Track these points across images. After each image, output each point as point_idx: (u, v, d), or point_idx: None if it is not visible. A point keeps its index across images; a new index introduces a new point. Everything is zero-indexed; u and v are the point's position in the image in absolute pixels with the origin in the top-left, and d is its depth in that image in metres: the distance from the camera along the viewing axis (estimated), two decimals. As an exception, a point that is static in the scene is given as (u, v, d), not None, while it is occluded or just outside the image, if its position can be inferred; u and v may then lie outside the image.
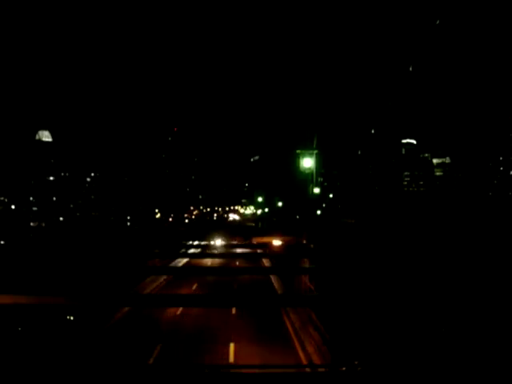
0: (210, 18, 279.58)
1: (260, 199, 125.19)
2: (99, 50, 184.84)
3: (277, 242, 38.96)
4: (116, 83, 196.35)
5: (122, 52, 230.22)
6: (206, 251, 44.07)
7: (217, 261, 43.64)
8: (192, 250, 45.41)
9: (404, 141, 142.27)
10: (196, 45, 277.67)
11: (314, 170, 42.68)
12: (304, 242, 34.96)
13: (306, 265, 27.56)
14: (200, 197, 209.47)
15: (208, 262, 46.04)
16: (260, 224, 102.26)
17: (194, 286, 36.05)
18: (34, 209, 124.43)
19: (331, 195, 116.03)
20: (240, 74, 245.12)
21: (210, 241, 49.19)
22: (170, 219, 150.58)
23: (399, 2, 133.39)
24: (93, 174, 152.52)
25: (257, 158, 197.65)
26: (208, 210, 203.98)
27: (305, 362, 18.86)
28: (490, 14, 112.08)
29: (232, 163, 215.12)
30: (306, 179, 45.67)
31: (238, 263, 40.22)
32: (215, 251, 41.51)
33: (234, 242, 53.06)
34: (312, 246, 32.34)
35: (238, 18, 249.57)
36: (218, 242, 49.82)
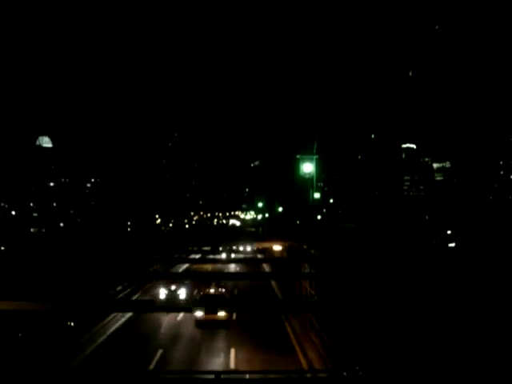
0: (209, 23, 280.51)
1: (260, 204, 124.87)
2: (99, 55, 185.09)
3: (277, 247, 38.91)
4: (116, 89, 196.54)
5: (123, 58, 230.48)
6: (207, 256, 43.93)
7: (218, 266, 43.60)
8: (192, 256, 45.30)
9: (404, 145, 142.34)
10: (196, 50, 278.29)
11: (314, 175, 42.75)
12: (304, 247, 34.90)
13: (307, 270, 27.54)
14: (200, 202, 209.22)
15: (209, 267, 45.99)
16: (260, 229, 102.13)
17: (195, 291, 36.02)
18: (35, 215, 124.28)
19: (331, 200, 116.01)
20: (240, 79, 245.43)
21: (209, 246, 49.13)
22: (171, 225, 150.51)
23: (398, 7, 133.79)
24: (93, 180, 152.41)
25: (257, 163, 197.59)
26: (208, 215, 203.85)
27: (306, 366, 18.82)
28: (491, 19, 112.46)
29: (232, 168, 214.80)
30: (307, 184, 45.69)
31: (238, 268, 40.26)
32: (216, 256, 41.40)
33: (234, 248, 53.06)
34: (313, 251, 32.28)
35: (238, 23, 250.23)
36: (218, 247, 49.79)
